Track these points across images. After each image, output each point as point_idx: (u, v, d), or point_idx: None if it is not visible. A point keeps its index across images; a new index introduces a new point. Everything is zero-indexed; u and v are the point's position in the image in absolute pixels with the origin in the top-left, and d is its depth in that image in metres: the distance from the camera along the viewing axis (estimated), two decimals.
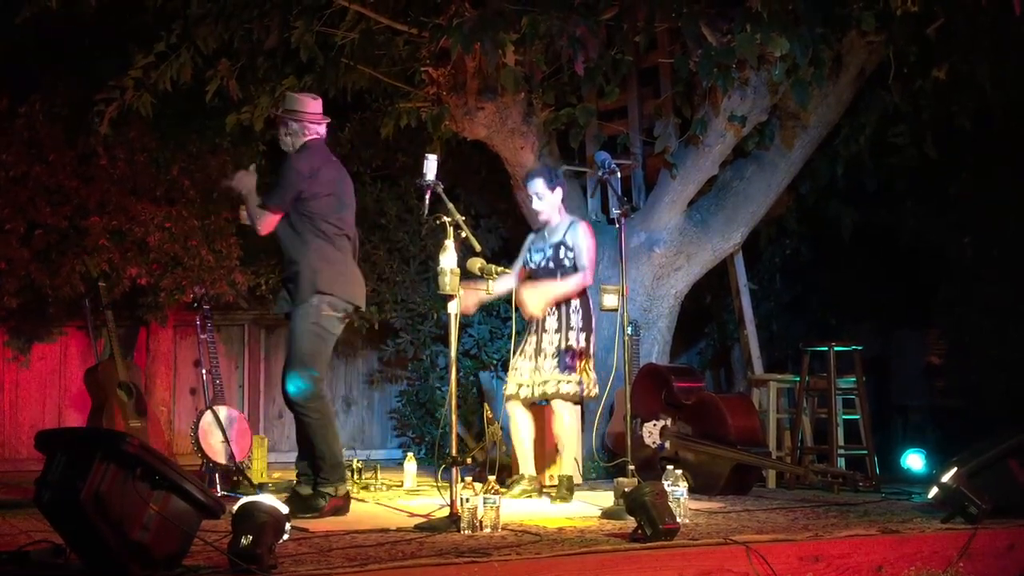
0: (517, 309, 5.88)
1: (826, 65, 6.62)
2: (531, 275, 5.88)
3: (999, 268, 7.63)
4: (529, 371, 5.79)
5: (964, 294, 7.87)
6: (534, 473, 5.92)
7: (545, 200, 5.87)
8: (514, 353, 5.89)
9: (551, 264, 5.80)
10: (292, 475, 5.88)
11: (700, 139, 7.01)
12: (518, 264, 6.02)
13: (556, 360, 5.72)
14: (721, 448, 5.97)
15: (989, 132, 7.20)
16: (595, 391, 5.78)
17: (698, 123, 6.98)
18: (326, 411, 5.24)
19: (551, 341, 5.75)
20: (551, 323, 5.77)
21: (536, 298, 5.66)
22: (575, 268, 5.77)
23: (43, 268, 7.31)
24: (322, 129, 5.32)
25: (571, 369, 5.70)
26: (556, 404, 5.76)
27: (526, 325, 5.86)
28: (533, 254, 5.92)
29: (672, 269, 7.43)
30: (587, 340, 5.76)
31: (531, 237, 6.08)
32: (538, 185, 5.87)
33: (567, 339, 5.72)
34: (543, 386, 5.74)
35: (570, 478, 5.70)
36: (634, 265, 7.21)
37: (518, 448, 5.96)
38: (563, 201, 5.99)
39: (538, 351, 5.78)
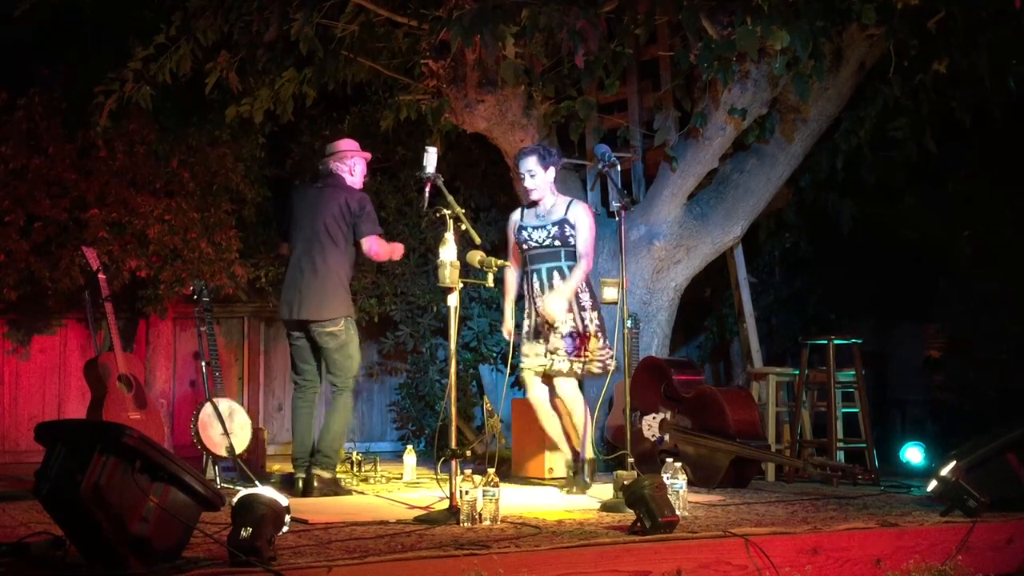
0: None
1: (826, 58, 6.61)
2: (530, 254, 5.74)
3: (998, 263, 7.64)
4: (542, 354, 5.72)
5: (963, 289, 7.88)
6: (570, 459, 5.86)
7: (538, 178, 5.75)
8: (524, 339, 5.82)
9: (556, 242, 5.67)
10: (292, 467, 5.90)
11: (700, 132, 7.01)
12: (510, 247, 5.92)
13: (574, 342, 5.65)
14: (720, 441, 5.97)
15: (989, 127, 7.20)
16: (612, 364, 5.72)
17: (698, 116, 6.97)
18: (294, 405, 6.01)
19: (564, 320, 5.64)
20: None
21: (556, 306, 5.58)
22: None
23: (42, 260, 7.32)
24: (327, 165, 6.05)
25: (578, 352, 5.65)
26: (556, 380, 5.73)
27: (530, 304, 5.79)
28: (532, 232, 5.75)
29: (672, 262, 7.43)
30: (600, 318, 5.73)
31: (517, 217, 5.91)
32: (531, 163, 5.74)
33: (581, 320, 5.66)
34: (552, 365, 5.69)
35: (592, 461, 5.71)
36: (634, 258, 7.21)
37: (548, 432, 5.94)
38: (555, 181, 5.90)
39: (552, 332, 5.68)
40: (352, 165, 5.97)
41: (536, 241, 5.72)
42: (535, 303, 5.73)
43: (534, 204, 5.82)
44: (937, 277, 8.12)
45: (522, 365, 5.82)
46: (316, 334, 5.79)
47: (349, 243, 5.85)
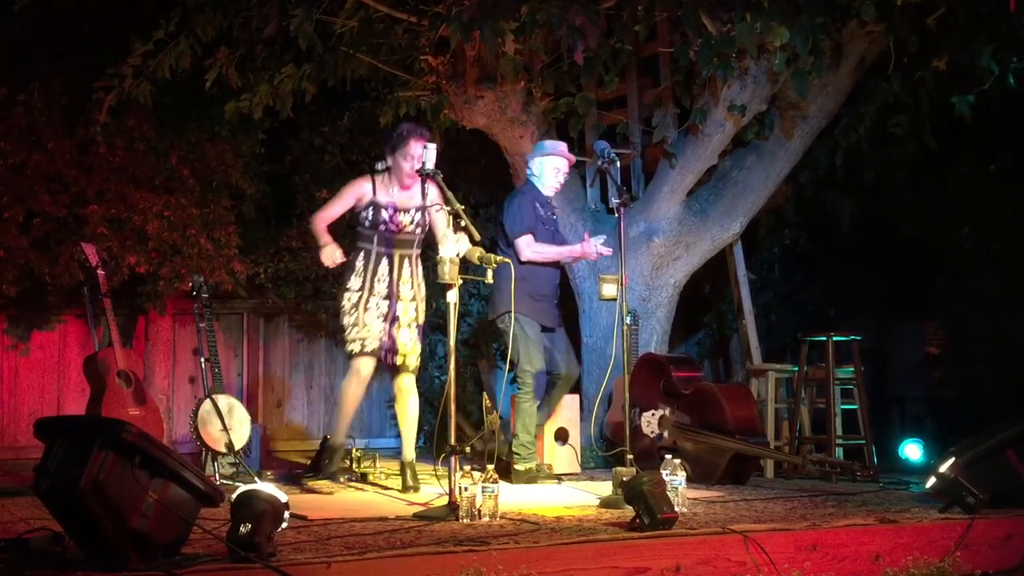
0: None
1: (826, 55, 6.61)
2: (393, 237, 5.60)
3: (997, 260, 7.64)
4: (379, 332, 5.58)
5: (962, 286, 7.88)
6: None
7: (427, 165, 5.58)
8: (356, 307, 5.58)
9: (418, 230, 5.66)
10: (291, 463, 5.91)
11: (699, 128, 7.00)
12: (345, 201, 5.67)
13: (413, 333, 5.62)
14: (719, 438, 5.98)
15: (989, 124, 7.20)
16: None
17: (698, 112, 6.97)
18: None
19: (406, 310, 5.61)
20: (406, 291, 5.63)
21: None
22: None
23: (42, 256, 7.31)
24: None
25: (419, 344, 5.68)
26: (409, 381, 5.69)
27: (370, 283, 5.58)
28: (394, 214, 5.60)
29: (671, 259, 7.43)
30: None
31: (369, 188, 5.64)
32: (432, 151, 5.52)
33: (418, 312, 5.67)
34: (404, 359, 5.61)
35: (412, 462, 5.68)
36: (633, 255, 7.21)
37: (348, 414, 5.76)
38: None
39: (392, 319, 5.59)
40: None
41: (397, 226, 5.61)
42: (387, 284, 5.59)
43: (405, 187, 5.64)
44: (937, 274, 8.12)
45: (354, 335, 5.60)
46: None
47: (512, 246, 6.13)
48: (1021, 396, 6.70)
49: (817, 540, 4.05)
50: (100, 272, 6.56)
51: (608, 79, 7.11)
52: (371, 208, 5.61)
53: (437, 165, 5.05)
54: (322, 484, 5.68)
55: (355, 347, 5.60)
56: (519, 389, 6.15)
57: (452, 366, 4.78)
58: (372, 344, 5.58)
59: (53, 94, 7.47)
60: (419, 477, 5.67)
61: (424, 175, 5.01)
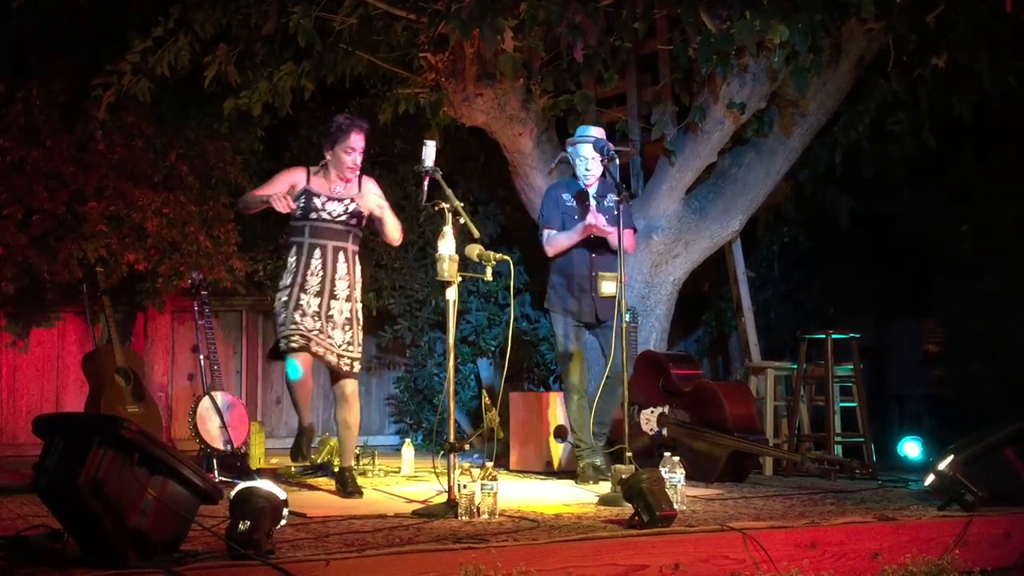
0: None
1: (825, 52, 6.61)
2: (320, 226, 5.31)
3: (996, 258, 7.64)
4: (316, 331, 5.26)
5: (961, 284, 7.88)
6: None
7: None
8: (288, 305, 5.26)
9: (352, 220, 5.37)
10: (291, 461, 5.90)
11: (699, 126, 7.00)
12: (279, 187, 5.33)
13: (348, 334, 5.35)
14: (718, 435, 5.98)
15: (988, 122, 7.20)
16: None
17: (697, 110, 6.97)
18: None
19: (341, 310, 5.32)
20: (342, 288, 5.33)
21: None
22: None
23: (41, 254, 7.31)
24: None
25: (359, 347, 5.43)
26: (351, 387, 5.46)
27: (301, 279, 5.29)
28: (325, 203, 5.33)
29: (670, 256, 7.42)
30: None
31: (303, 178, 5.39)
32: (363, 142, 5.39)
33: (356, 313, 5.40)
34: (338, 359, 5.34)
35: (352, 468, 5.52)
36: (632, 252, 7.20)
37: (304, 405, 5.44)
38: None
39: (326, 317, 5.28)
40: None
41: (329, 214, 5.34)
42: (319, 279, 5.30)
43: (345, 180, 5.43)
44: (936, 272, 8.12)
45: (289, 330, 5.25)
46: None
47: None
48: (1020, 395, 6.71)
49: (816, 538, 4.05)
50: (98, 269, 6.55)
51: (607, 76, 7.11)
52: (303, 196, 5.32)
53: (436, 163, 5.05)
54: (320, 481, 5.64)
55: (283, 344, 5.26)
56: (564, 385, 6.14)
57: (451, 363, 4.78)
58: (299, 341, 5.21)
59: (52, 91, 7.47)
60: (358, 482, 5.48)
61: (423, 173, 5.01)
